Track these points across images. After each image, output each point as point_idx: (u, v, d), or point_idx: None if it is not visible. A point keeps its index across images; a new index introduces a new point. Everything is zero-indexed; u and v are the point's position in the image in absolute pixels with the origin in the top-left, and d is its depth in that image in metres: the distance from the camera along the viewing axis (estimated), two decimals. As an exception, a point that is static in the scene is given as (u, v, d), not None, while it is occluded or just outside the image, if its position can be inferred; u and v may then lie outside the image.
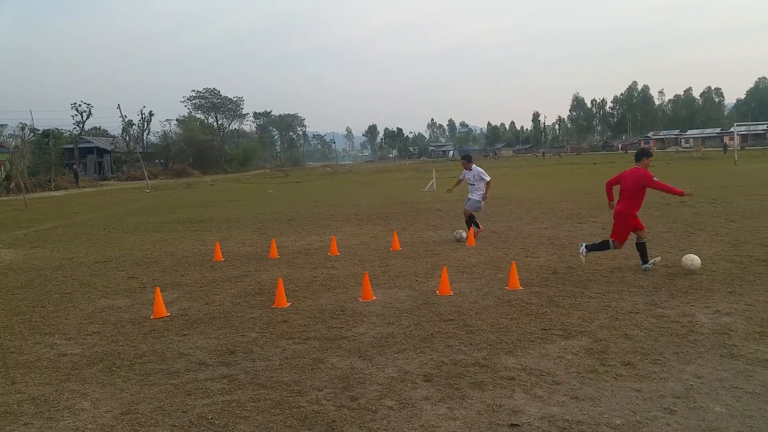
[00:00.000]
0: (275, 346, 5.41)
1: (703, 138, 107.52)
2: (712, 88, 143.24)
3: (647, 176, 7.66)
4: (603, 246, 8.05)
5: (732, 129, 67.36)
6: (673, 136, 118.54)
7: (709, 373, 4.31)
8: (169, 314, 6.73)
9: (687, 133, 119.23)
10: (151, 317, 6.65)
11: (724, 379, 4.18)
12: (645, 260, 7.85)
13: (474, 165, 11.41)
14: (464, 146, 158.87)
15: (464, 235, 11.04)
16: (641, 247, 7.87)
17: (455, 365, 4.69)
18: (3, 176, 46.51)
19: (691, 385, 4.12)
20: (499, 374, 4.45)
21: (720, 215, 12.68)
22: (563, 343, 5.08)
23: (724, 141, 72.53)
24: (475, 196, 11.26)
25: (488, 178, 11.19)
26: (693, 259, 7.44)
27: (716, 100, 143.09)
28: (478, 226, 11.37)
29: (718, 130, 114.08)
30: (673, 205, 15.14)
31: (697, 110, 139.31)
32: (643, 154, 8.07)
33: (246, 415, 3.98)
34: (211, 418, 3.95)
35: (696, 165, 39.85)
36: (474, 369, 4.59)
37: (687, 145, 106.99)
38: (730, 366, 4.42)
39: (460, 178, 11.95)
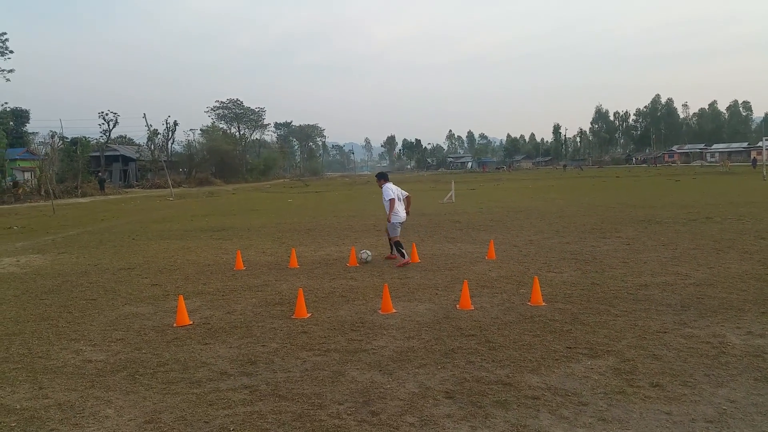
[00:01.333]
0: (296, 358, 5.39)
1: (730, 152, 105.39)
2: (739, 102, 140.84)
3: None
4: None
5: (760, 143, 66.06)
6: (698, 150, 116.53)
7: (743, 397, 4.17)
8: (191, 322, 6.77)
9: (712, 147, 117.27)
10: (174, 325, 6.69)
11: (759, 405, 4.03)
12: None
13: (387, 183, 10.43)
14: (483, 158, 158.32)
15: (363, 256, 10.40)
16: None
17: (478, 382, 4.61)
18: (11, 184, 46.64)
19: (724, 409, 3.98)
20: (523, 393, 4.37)
21: (749, 232, 12.37)
22: (589, 363, 4.97)
23: (753, 156, 70.99)
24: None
25: (387, 198, 10.21)
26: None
27: (743, 113, 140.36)
28: (403, 256, 10.03)
29: (745, 144, 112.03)
30: (700, 221, 14.86)
31: (723, 124, 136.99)
32: None
33: (267, 427, 3.96)
34: (233, 430, 3.94)
35: (722, 180, 39.13)
36: (497, 387, 4.51)
37: (712, 159, 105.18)
38: (766, 391, 4.26)
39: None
